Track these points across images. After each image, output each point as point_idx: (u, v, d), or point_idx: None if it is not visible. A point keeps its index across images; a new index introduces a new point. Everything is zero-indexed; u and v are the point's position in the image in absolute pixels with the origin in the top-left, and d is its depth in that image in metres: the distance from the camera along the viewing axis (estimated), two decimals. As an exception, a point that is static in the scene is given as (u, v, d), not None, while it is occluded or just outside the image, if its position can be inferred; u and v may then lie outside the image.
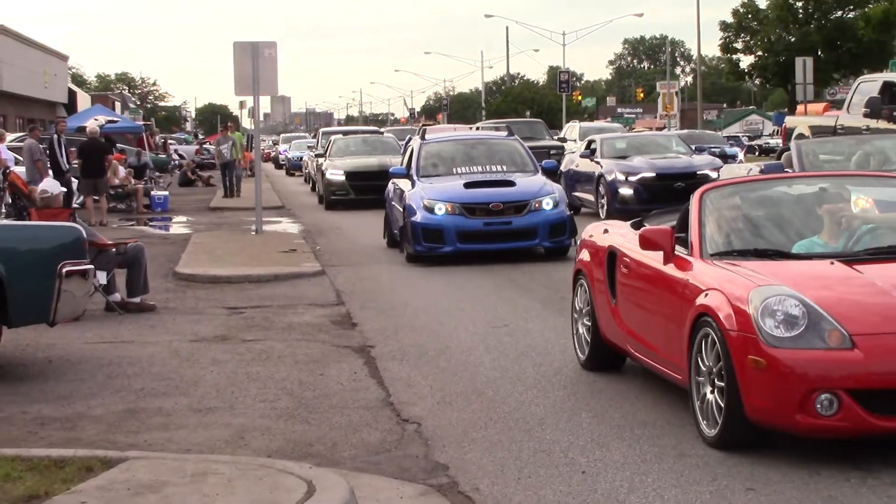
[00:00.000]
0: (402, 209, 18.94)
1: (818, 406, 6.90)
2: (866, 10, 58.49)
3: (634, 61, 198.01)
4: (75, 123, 40.92)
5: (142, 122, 56.65)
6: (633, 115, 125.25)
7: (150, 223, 29.30)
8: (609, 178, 25.32)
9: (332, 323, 13.31)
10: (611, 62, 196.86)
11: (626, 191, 24.91)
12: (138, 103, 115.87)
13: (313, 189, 41.73)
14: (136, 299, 14.19)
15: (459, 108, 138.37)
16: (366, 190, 30.79)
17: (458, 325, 12.82)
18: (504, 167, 19.63)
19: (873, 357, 6.89)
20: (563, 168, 27.89)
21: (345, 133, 37.05)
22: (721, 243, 8.33)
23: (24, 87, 56.83)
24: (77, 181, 27.90)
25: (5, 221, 10.95)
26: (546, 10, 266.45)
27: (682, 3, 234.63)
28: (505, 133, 21.85)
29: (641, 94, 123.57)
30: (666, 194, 23.13)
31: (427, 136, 20.73)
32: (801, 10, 67.02)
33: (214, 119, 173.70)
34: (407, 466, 7.52)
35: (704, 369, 7.62)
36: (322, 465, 7.27)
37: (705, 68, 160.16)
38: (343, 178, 31.50)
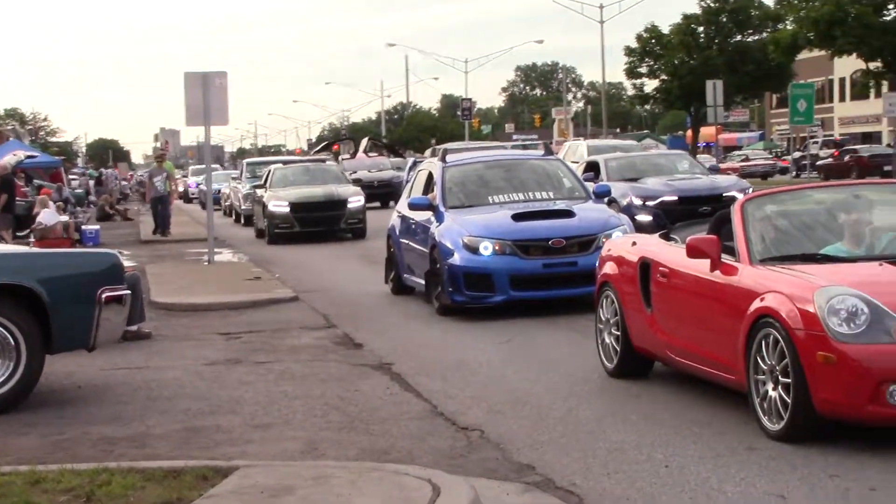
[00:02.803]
0: (427, 249, 15.95)
1: (889, 397, 7.47)
2: (774, 33, 60.13)
3: (527, 88, 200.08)
4: (-7, 159, 40.52)
5: (59, 158, 56.19)
6: (529, 142, 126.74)
7: (88, 257, 29.19)
8: (623, 202, 23.07)
9: (334, 344, 13.66)
10: (504, 89, 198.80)
11: (644, 217, 22.57)
12: (31, 139, 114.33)
13: (237, 221, 41.83)
14: (134, 327, 14.36)
15: (356, 137, 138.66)
16: (312, 222, 30.21)
17: (461, 341, 13.25)
18: (551, 193, 16.61)
19: None
20: None
21: (284, 162, 36.90)
22: (767, 249, 8.90)
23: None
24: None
25: (47, 249, 11.18)
26: (442, 40, 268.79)
27: (572, 29, 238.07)
28: (542, 151, 18.77)
29: (539, 120, 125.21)
30: (688, 220, 19.76)
31: (449, 158, 17.50)
32: (702, 35, 68.78)
33: (105, 154, 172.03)
34: (493, 468, 7.94)
35: (766, 368, 8.15)
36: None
37: (595, 94, 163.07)
38: (288, 209, 30.42)
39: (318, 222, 30.25)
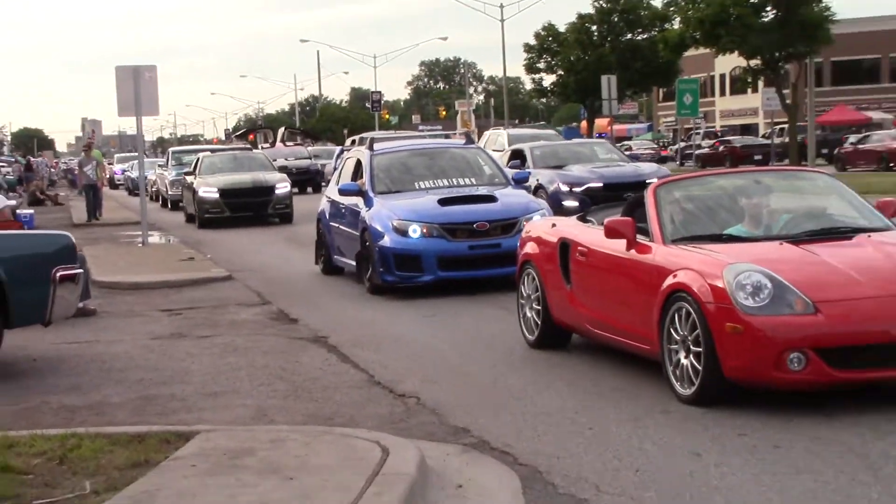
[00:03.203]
0: (358, 232, 15.95)
1: (790, 363, 7.74)
2: (663, 32, 60.95)
3: (431, 82, 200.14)
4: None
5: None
6: (437, 131, 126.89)
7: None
8: (550, 188, 23.20)
9: (271, 319, 13.71)
10: (409, 83, 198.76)
11: (571, 203, 22.47)
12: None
13: (164, 206, 41.57)
14: (80, 304, 14.26)
15: (272, 127, 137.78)
16: (241, 207, 30.00)
17: (392, 317, 13.36)
18: (473, 180, 16.72)
19: (833, 320, 7.78)
20: None
21: (213, 150, 36.64)
22: (678, 230, 9.14)
23: None
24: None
25: (3, 231, 11.12)
26: (354, 36, 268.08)
27: (474, 27, 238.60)
28: (463, 140, 19.15)
29: (444, 112, 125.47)
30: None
31: (376, 146, 17.42)
32: (596, 33, 69.37)
33: (31, 143, 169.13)
34: (431, 431, 8.09)
35: (678, 338, 8.39)
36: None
37: (495, 87, 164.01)
38: (217, 195, 30.11)
39: (247, 207, 30.07)
